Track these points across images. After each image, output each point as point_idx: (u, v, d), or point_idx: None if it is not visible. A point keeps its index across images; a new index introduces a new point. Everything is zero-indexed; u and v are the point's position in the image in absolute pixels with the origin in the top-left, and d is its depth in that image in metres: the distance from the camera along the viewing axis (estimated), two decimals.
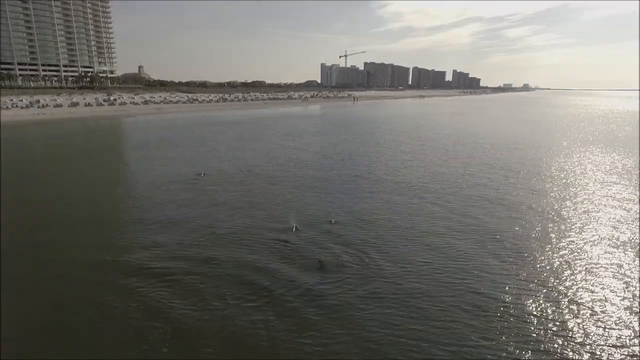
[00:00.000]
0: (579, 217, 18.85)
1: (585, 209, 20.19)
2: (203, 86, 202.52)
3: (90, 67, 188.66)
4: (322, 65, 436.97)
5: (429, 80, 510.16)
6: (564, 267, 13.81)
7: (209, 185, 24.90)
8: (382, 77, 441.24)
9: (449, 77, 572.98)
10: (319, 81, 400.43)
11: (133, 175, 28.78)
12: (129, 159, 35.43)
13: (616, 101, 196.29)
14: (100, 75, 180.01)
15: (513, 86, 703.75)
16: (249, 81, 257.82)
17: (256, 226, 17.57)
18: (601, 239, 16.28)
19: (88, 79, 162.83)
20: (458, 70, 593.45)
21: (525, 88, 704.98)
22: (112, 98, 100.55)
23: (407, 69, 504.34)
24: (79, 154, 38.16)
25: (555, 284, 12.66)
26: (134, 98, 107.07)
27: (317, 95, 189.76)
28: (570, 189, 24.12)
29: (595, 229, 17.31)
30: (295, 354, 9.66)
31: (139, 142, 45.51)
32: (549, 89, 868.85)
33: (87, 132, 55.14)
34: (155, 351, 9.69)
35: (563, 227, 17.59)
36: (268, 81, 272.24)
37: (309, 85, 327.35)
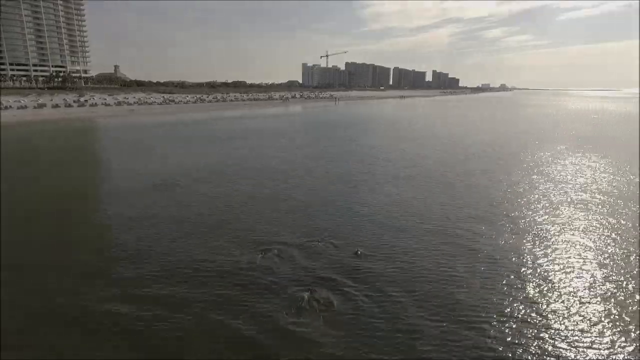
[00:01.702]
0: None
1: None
2: (181, 86, 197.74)
3: (62, 67, 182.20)
4: (304, 66, 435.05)
5: (409, 81, 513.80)
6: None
7: (175, 196, 23.04)
8: (363, 77, 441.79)
9: (429, 78, 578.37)
10: (301, 81, 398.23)
11: (84, 185, 26.61)
12: (80, 168, 33.06)
13: (592, 101, 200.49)
14: (74, 75, 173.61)
15: (491, 86, 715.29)
16: (230, 81, 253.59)
17: (226, 248, 15.92)
18: None
19: (60, 79, 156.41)
20: (438, 71, 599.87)
21: (503, 88, 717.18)
22: (82, 99, 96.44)
23: (388, 69, 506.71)
24: (21, 164, 35.38)
25: None
26: (105, 99, 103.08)
27: (299, 96, 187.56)
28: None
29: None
30: None
31: (99, 147, 43.11)
32: (526, 88, 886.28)
33: (41, 137, 51.89)
34: None
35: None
36: (249, 81, 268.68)
37: (290, 85, 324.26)
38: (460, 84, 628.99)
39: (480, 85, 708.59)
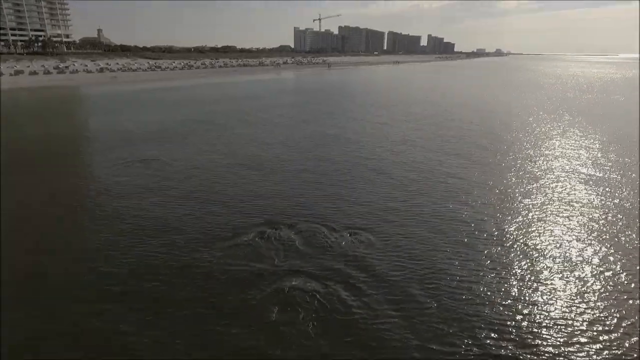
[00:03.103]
0: None
1: None
2: (169, 51, 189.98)
3: (41, 31, 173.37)
4: (296, 30, 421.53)
5: (404, 46, 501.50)
6: None
7: (162, 173, 21.08)
8: (356, 42, 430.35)
9: (424, 42, 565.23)
10: (293, 46, 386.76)
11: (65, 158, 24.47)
12: (59, 139, 30.70)
13: (591, 67, 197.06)
14: (54, 39, 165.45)
15: (486, 51, 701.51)
16: (219, 46, 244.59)
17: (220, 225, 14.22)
18: None
19: (40, 44, 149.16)
20: (433, 35, 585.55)
21: (498, 53, 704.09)
22: (62, 65, 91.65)
23: (382, 34, 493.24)
24: None
25: None
26: (87, 65, 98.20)
27: (291, 61, 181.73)
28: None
29: None
30: None
31: (73, 113, 40.52)
32: (520, 53, 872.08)
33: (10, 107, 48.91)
34: None
35: None
36: (239, 46, 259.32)
37: (282, 50, 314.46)
38: (455, 49, 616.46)
39: (475, 50, 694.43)
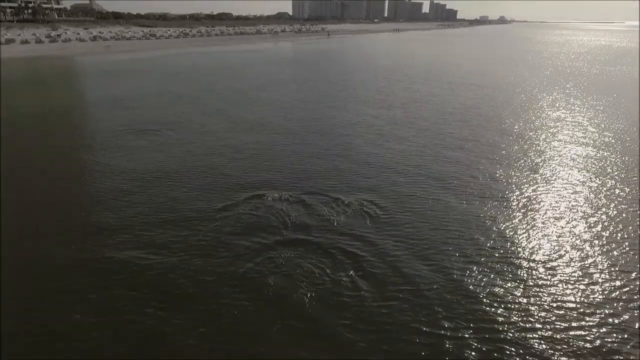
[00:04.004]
0: None
1: None
2: (163, 19, 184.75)
3: None
4: None
5: (405, 13, 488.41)
6: None
7: (170, 142, 21.24)
8: (357, 9, 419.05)
9: (425, 9, 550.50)
10: (291, 13, 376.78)
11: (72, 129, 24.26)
12: (62, 112, 30.31)
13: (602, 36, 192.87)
14: (45, 6, 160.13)
15: (489, 18, 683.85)
16: (215, 13, 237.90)
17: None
18: None
19: (30, 11, 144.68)
20: (435, 2, 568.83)
21: (502, 20, 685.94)
22: (54, 34, 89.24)
23: (383, 0, 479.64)
24: None
25: None
26: (79, 34, 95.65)
27: (290, 29, 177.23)
28: None
29: None
30: None
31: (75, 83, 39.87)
32: (525, 21, 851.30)
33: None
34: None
35: None
36: (236, 13, 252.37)
37: (280, 17, 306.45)
38: (458, 16, 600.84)
39: (478, 18, 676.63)
